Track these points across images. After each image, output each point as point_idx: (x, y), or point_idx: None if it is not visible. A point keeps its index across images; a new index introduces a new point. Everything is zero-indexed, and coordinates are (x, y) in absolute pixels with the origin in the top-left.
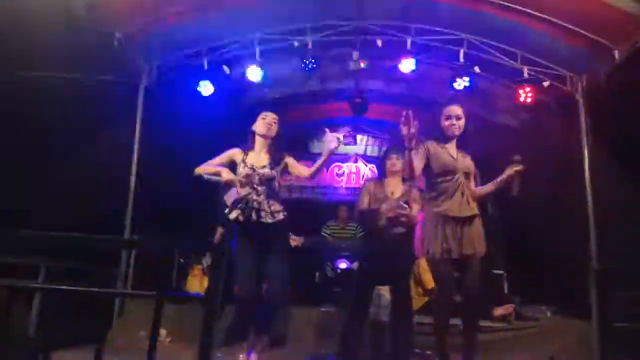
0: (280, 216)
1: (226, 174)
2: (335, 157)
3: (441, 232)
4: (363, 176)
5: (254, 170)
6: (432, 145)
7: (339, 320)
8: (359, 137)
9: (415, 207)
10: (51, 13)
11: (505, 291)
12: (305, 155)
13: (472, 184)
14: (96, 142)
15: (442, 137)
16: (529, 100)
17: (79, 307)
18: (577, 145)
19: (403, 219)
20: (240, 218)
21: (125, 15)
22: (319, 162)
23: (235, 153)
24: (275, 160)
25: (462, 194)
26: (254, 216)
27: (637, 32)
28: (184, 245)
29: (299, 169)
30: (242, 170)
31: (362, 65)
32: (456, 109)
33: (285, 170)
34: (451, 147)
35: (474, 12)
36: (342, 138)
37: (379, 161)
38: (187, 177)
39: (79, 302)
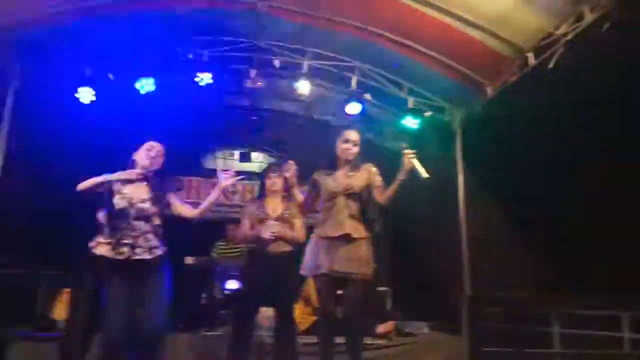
0: (159, 252)
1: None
2: (230, 174)
3: (316, 250)
4: (258, 194)
5: (132, 204)
6: (320, 176)
7: (222, 345)
8: (254, 154)
9: (297, 223)
10: None
11: (389, 308)
12: (198, 171)
13: (376, 194)
14: None
15: (334, 162)
16: (412, 127)
17: None
18: (454, 170)
19: (287, 237)
20: (109, 255)
21: None
22: (207, 202)
23: (112, 181)
24: (158, 196)
25: (338, 214)
26: (128, 253)
27: (507, 71)
28: (44, 279)
29: (183, 210)
30: (118, 201)
31: (258, 84)
32: (355, 135)
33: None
34: (341, 171)
35: (366, 42)
36: (235, 174)
37: (259, 180)
38: (60, 189)
39: None
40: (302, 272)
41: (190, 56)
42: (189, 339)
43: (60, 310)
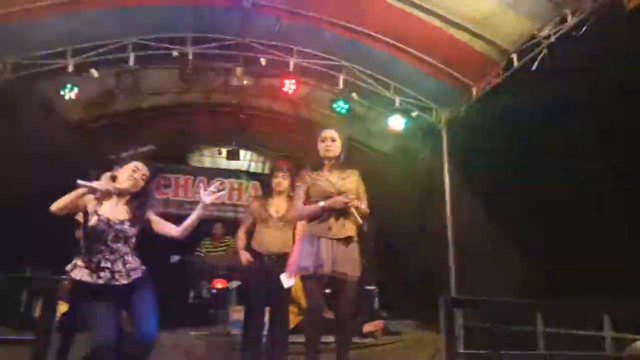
0: (138, 273)
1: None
2: (218, 172)
3: (315, 248)
4: (246, 192)
5: (110, 226)
6: (309, 176)
7: (209, 345)
8: (242, 152)
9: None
10: None
11: (376, 307)
12: (184, 169)
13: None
14: None
15: (319, 161)
16: (399, 126)
17: None
18: (440, 170)
19: None
20: (88, 279)
21: None
22: (190, 220)
23: (87, 200)
24: (137, 216)
25: (337, 217)
26: (106, 278)
27: (491, 72)
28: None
29: (166, 229)
30: (95, 223)
31: (245, 82)
32: (330, 132)
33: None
34: (329, 170)
35: (353, 41)
36: (216, 191)
37: (266, 179)
38: (43, 190)
39: None
40: (298, 270)
41: (176, 53)
42: (176, 338)
43: None
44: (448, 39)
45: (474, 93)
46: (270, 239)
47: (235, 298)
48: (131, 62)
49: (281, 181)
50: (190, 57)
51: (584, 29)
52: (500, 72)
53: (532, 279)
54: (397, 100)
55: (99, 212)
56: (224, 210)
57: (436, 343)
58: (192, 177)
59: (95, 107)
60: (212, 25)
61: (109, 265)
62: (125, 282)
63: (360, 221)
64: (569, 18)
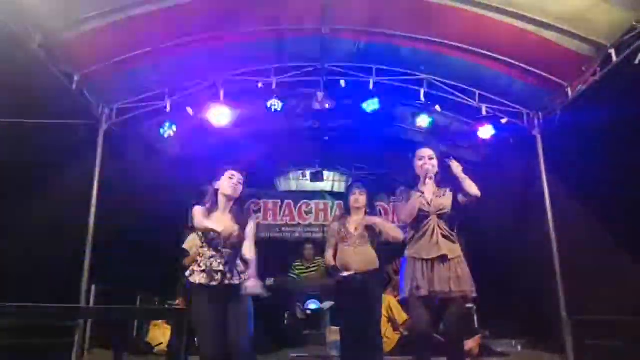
0: (245, 276)
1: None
2: (304, 194)
3: (411, 272)
4: (332, 212)
5: (219, 235)
6: (411, 192)
7: None
8: (326, 173)
9: (388, 224)
10: (4, 53)
11: (476, 325)
12: (271, 193)
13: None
14: (52, 188)
15: (415, 179)
16: (488, 135)
17: None
18: (537, 178)
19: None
20: (204, 281)
21: (83, 57)
22: (253, 270)
23: (196, 214)
24: (241, 222)
25: (432, 235)
26: (219, 279)
27: (587, 70)
28: (142, 314)
29: (246, 245)
30: (207, 234)
31: (327, 105)
32: (427, 151)
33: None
34: (427, 188)
35: (432, 53)
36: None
37: (344, 197)
38: (148, 223)
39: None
40: (402, 295)
41: (260, 85)
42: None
43: (154, 334)
44: (535, 40)
45: (570, 94)
46: (351, 257)
47: (329, 319)
48: (221, 97)
49: (358, 198)
50: (274, 86)
51: None
52: (598, 69)
53: None
54: (484, 108)
55: (210, 226)
56: (311, 232)
57: None
58: (279, 201)
59: (191, 141)
60: (292, 54)
61: (222, 268)
62: (236, 282)
63: None
64: None
